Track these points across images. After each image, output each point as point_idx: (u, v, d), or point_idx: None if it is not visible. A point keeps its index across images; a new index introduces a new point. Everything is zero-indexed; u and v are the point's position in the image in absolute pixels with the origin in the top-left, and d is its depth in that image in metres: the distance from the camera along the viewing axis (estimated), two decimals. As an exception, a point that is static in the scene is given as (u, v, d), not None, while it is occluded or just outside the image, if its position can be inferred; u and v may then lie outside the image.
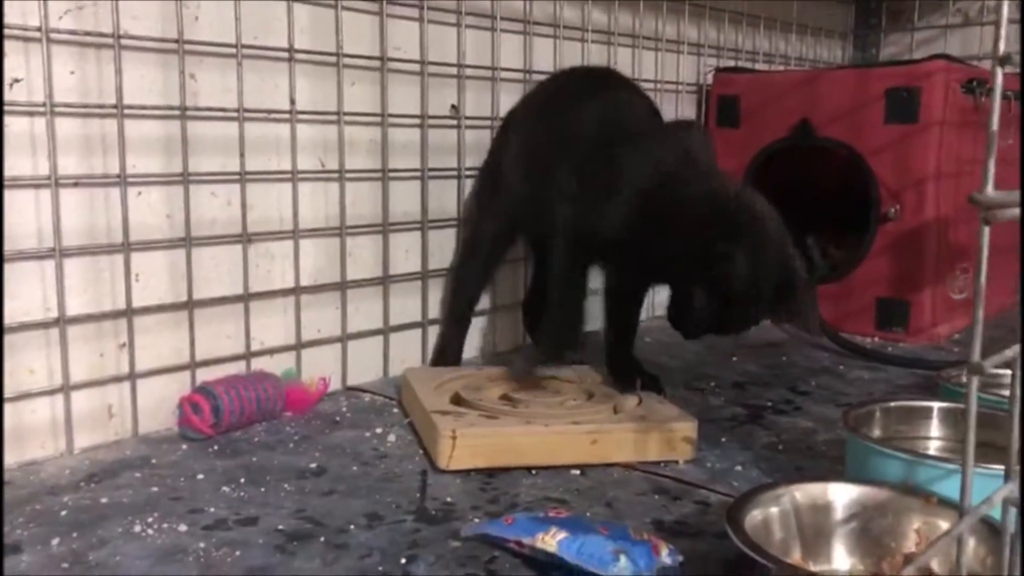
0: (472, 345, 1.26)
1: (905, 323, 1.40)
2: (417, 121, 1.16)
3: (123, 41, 0.87)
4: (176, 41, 0.91)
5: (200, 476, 0.81)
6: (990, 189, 0.40)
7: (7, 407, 0.83)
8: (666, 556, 0.63)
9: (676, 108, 1.57)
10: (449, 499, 0.77)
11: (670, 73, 1.55)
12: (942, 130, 1.36)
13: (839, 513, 0.64)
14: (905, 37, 2.01)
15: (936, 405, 0.79)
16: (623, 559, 0.61)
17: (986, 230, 0.40)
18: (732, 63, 1.67)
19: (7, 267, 0.82)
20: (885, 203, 1.40)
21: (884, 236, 1.41)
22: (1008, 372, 0.44)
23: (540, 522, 0.65)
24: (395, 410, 1.01)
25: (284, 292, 1.04)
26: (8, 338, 0.83)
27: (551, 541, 0.63)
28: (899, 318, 1.41)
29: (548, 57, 1.31)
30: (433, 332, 1.20)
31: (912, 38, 1.99)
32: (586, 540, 0.62)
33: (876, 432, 0.77)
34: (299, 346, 1.06)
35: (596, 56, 1.38)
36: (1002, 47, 0.40)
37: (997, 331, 1.49)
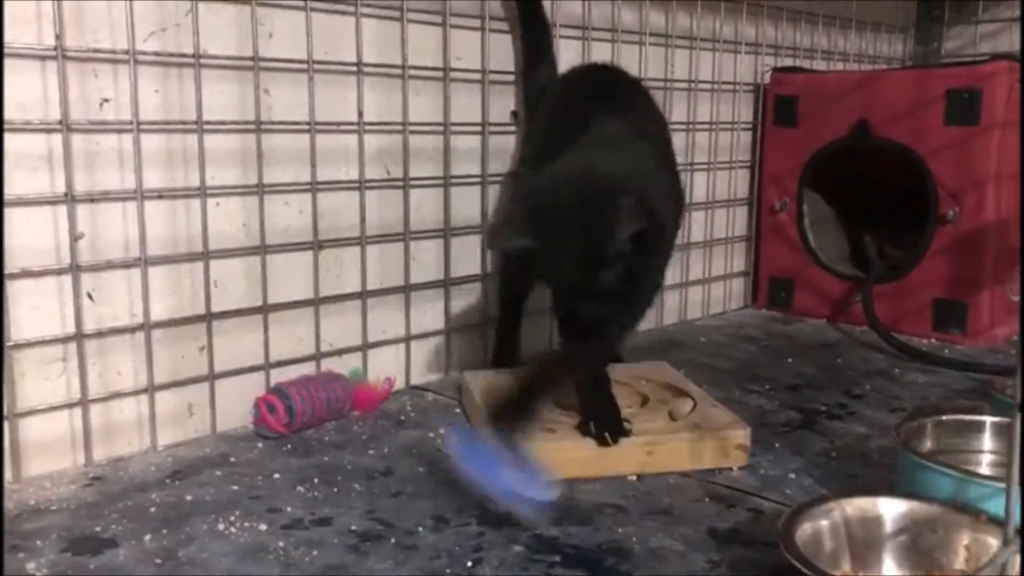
0: (531, 343, 1.29)
1: (963, 325, 1.40)
2: (478, 128, 1.19)
3: (202, 60, 0.92)
4: (251, 59, 0.96)
5: (276, 475, 0.86)
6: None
7: (98, 407, 0.89)
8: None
9: (733, 109, 1.58)
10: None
11: (727, 73, 1.56)
12: (1003, 132, 1.36)
13: (888, 526, 0.67)
14: (968, 30, 1.98)
15: (988, 420, 0.80)
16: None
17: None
18: (790, 61, 1.67)
19: (98, 275, 0.88)
20: (944, 204, 1.40)
21: (942, 237, 1.41)
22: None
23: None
24: (457, 410, 1.05)
25: (352, 296, 1.09)
26: (98, 342, 0.88)
27: None
28: (956, 320, 1.41)
29: (606, 60, 1.34)
30: (492, 332, 1.23)
31: (976, 31, 1.96)
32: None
33: (928, 445, 0.79)
34: (365, 347, 1.10)
35: (653, 59, 1.40)
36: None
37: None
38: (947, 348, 1.37)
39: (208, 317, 0.95)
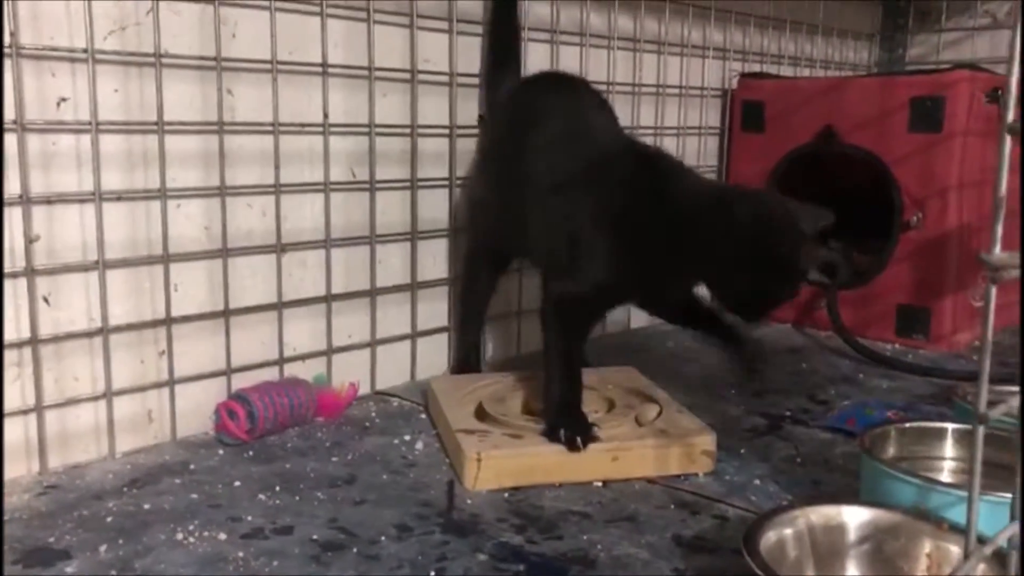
0: (497, 348, 1.29)
1: (926, 330, 1.42)
2: (446, 131, 1.18)
3: (164, 60, 0.90)
4: (214, 59, 0.94)
5: (237, 483, 0.84)
6: (998, 250, 0.42)
7: (54, 413, 0.87)
8: None
9: (701, 114, 1.59)
10: (475, 511, 0.80)
11: (695, 78, 1.56)
12: (965, 139, 1.37)
13: (852, 534, 0.67)
14: (932, 38, 2.01)
15: (951, 426, 0.81)
16: None
17: (992, 290, 0.42)
18: (758, 67, 1.68)
19: (54, 279, 0.86)
20: (908, 211, 1.41)
21: (906, 243, 1.42)
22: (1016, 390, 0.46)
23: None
24: (422, 416, 1.05)
25: (316, 299, 1.07)
26: (55, 347, 0.87)
27: None
28: (920, 325, 1.42)
29: (575, 64, 1.33)
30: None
31: (940, 39, 1.98)
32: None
33: (891, 451, 0.80)
34: (330, 351, 1.09)
35: (621, 63, 1.40)
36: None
37: (1015, 338, 1.48)
38: (911, 353, 1.39)
39: (168, 321, 0.94)
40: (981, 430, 0.43)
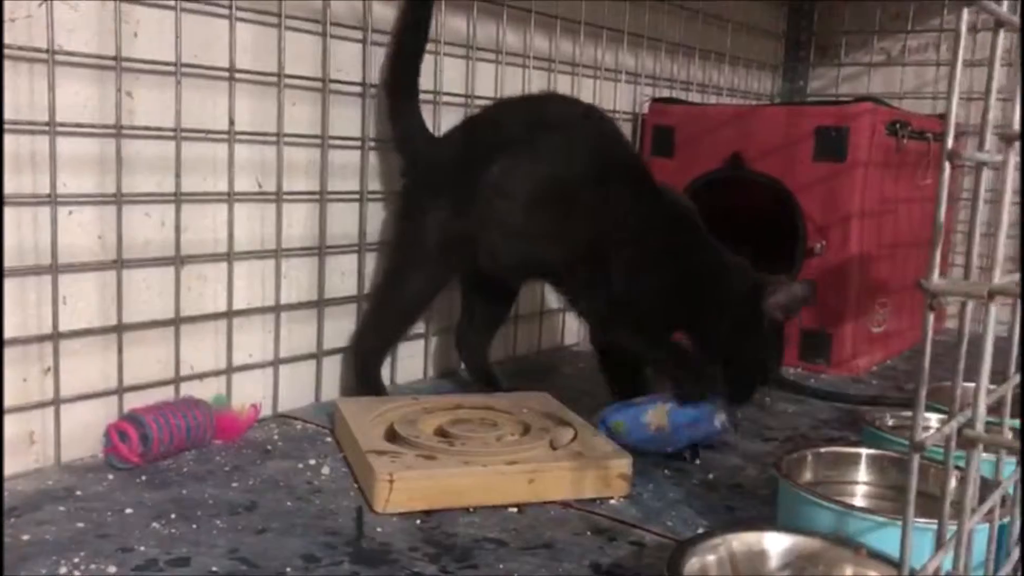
0: (408, 370, 1.26)
1: (827, 355, 1.45)
2: (358, 143, 1.15)
3: (57, 56, 0.84)
4: (114, 58, 0.89)
5: (128, 510, 0.78)
6: (935, 277, 0.42)
7: (-78, 435, 0.79)
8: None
9: (612, 135, 1.59)
10: (385, 539, 0.76)
11: (608, 101, 1.57)
12: (867, 170, 1.41)
13: (774, 561, 0.66)
14: (832, 71, 2.08)
15: (864, 452, 0.82)
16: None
17: (930, 316, 0.42)
18: (668, 92, 1.70)
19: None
20: (812, 238, 1.44)
21: (809, 270, 1.45)
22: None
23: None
24: (328, 439, 1.00)
25: (216, 315, 1.02)
26: (-76, 362, 0.79)
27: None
28: (822, 350, 1.45)
29: (490, 82, 1.32)
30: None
31: (839, 73, 2.05)
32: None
33: (807, 476, 0.80)
34: (229, 370, 1.04)
35: (536, 82, 1.39)
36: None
37: (914, 362, 1.54)
38: (812, 377, 1.41)
39: (55, 336, 0.87)
40: (916, 459, 0.43)
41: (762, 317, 1.01)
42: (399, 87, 1.14)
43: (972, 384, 0.45)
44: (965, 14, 0.40)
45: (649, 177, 1.09)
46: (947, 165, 0.41)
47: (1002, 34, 0.44)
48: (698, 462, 0.99)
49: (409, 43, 1.13)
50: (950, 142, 0.41)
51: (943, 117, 1.64)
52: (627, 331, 1.04)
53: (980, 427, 0.45)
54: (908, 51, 1.98)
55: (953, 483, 0.48)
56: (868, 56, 2.03)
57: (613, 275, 1.02)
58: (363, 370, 1.12)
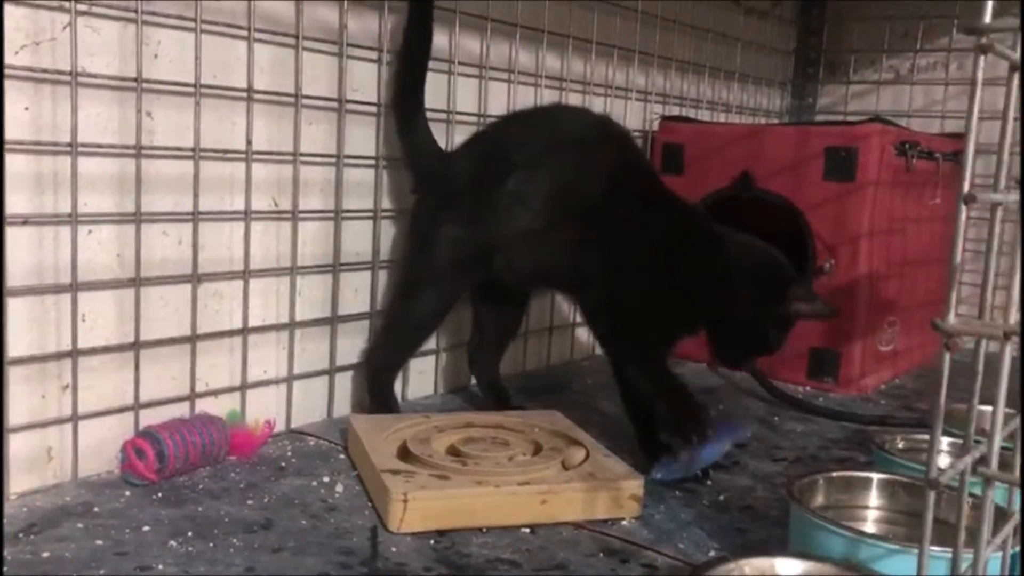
0: (419, 385, 1.26)
1: (835, 373, 1.45)
2: (372, 162, 1.16)
3: (80, 78, 0.86)
4: (134, 79, 0.90)
5: (146, 528, 0.79)
6: (952, 317, 0.43)
7: (-57, 451, 0.80)
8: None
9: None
10: (400, 559, 0.77)
11: (618, 119, 1.57)
12: (876, 189, 1.42)
13: (785, 587, 0.67)
14: (840, 89, 2.09)
15: (875, 476, 0.82)
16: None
17: (947, 356, 0.43)
18: (678, 109, 1.71)
19: (-51, 307, 0.80)
20: (821, 257, 1.45)
21: (818, 288, 1.45)
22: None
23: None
24: (341, 456, 1.01)
25: (232, 332, 1.03)
26: (-54, 379, 0.80)
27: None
28: (830, 368, 1.46)
29: (503, 100, 1.33)
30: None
31: (848, 91, 2.06)
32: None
33: (819, 500, 0.80)
34: (244, 387, 1.05)
35: (548, 100, 1.40)
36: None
37: (921, 381, 1.54)
38: (821, 396, 1.42)
39: (74, 353, 0.88)
40: (932, 495, 0.43)
41: (779, 307, 1.08)
42: (404, 102, 1.14)
43: (985, 408, 0.46)
44: (981, 62, 0.41)
45: (661, 184, 1.13)
46: (963, 207, 0.42)
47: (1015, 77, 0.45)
48: (709, 483, 1.00)
49: (411, 58, 1.14)
50: (966, 186, 0.42)
51: (953, 136, 1.66)
52: (633, 357, 1.06)
53: (995, 464, 0.45)
54: (917, 69, 1.99)
55: (966, 509, 0.49)
56: (877, 74, 2.04)
57: (626, 279, 1.05)
58: (375, 387, 1.13)
